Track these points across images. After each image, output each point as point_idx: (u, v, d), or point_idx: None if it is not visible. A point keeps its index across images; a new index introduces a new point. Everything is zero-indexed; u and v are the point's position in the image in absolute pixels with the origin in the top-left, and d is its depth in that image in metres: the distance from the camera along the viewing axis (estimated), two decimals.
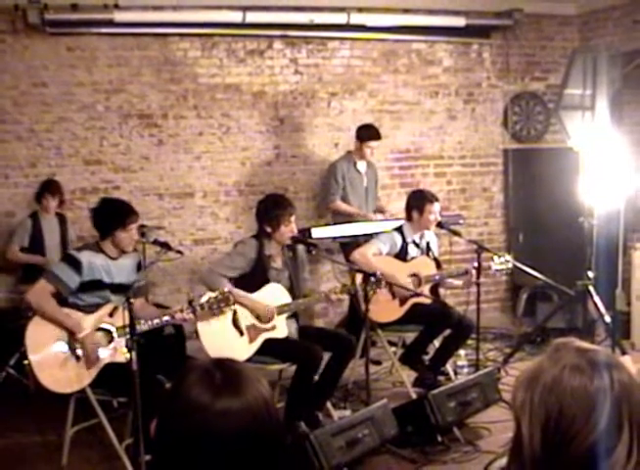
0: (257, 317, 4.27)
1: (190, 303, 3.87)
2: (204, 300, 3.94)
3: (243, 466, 1.26)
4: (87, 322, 3.76)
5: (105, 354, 3.76)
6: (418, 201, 4.95)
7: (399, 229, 5.02)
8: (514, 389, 1.30)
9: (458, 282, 5.09)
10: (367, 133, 5.97)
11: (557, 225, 6.52)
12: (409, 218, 5.00)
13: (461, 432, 4.21)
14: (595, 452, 1.18)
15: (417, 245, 5.03)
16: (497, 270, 4.97)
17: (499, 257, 4.98)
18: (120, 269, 3.98)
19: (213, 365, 1.33)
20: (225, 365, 1.34)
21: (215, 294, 3.94)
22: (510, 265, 4.98)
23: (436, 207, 4.93)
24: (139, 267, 4.11)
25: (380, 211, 6.22)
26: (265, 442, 1.29)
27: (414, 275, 4.89)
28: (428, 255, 5.09)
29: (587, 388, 1.21)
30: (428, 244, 5.11)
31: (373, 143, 5.96)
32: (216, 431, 1.25)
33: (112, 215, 3.96)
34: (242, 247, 4.39)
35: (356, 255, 4.82)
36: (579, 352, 1.26)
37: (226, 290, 3.95)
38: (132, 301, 3.48)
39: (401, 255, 4.93)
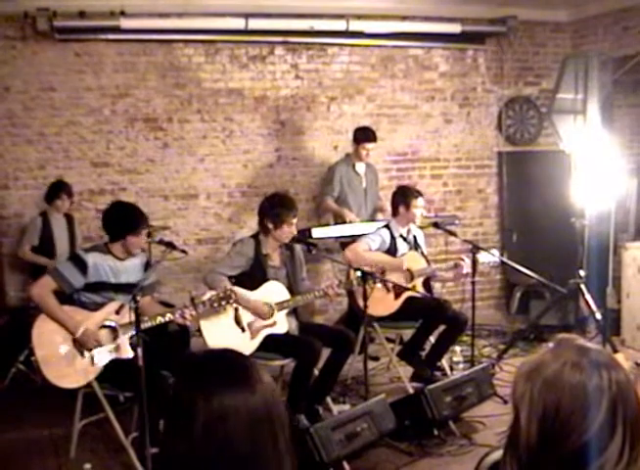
0: (258, 316, 4.33)
1: (192, 300, 3.91)
2: (206, 297, 3.99)
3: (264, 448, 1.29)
4: (93, 320, 3.82)
5: (105, 353, 3.81)
6: (404, 197, 5.05)
7: (386, 226, 5.11)
8: (515, 379, 1.33)
9: (449, 275, 5.16)
10: (362, 135, 6.04)
11: (550, 226, 6.60)
12: (395, 214, 5.10)
13: (456, 426, 4.28)
14: (588, 449, 1.21)
15: (405, 239, 5.11)
16: (485, 263, 5.06)
17: (485, 251, 5.05)
18: (128, 269, 4.04)
19: (223, 360, 1.35)
20: (234, 360, 1.36)
21: (218, 291, 3.99)
22: (495, 259, 5.08)
23: (421, 201, 5.05)
24: (146, 267, 4.14)
25: (380, 210, 6.27)
26: (281, 425, 1.33)
27: (405, 270, 4.97)
28: (416, 249, 5.18)
29: (585, 386, 1.23)
30: (415, 238, 5.20)
31: (368, 145, 6.01)
32: (244, 423, 1.26)
33: (124, 220, 4.00)
34: (240, 246, 4.44)
35: (347, 253, 4.89)
36: (580, 351, 1.29)
37: (228, 287, 4.01)
38: (139, 298, 3.51)
39: (391, 250, 5.01)
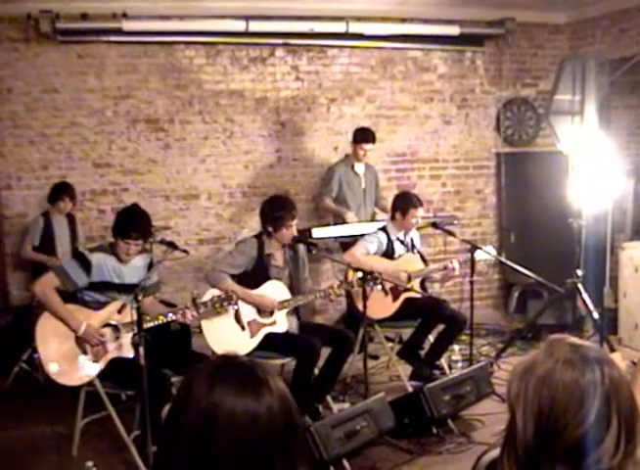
0: (259, 311, 4.38)
1: (194, 300, 3.93)
2: (207, 298, 4.02)
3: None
4: (95, 318, 3.86)
5: (112, 348, 3.86)
6: (403, 204, 5.06)
7: (383, 228, 5.13)
8: (509, 379, 1.35)
9: (437, 276, 5.16)
10: (361, 135, 6.08)
11: (547, 226, 6.61)
12: (392, 218, 5.13)
13: (455, 424, 4.31)
14: (584, 443, 1.22)
15: (402, 242, 5.14)
16: (483, 260, 5.09)
17: (481, 248, 5.06)
18: (131, 271, 4.07)
19: (240, 364, 1.34)
20: (250, 367, 1.34)
21: (219, 293, 4.04)
22: (492, 253, 5.11)
23: (420, 212, 5.04)
24: (149, 267, 4.16)
25: (384, 210, 6.25)
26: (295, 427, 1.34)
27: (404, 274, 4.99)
28: (413, 251, 5.21)
29: (579, 382, 1.25)
30: (412, 240, 5.23)
31: (366, 145, 6.04)
32: (264, 432, 1.26)
33: (121, 223, 4.03)
34: (243, 246, 4.49)
35: (346, 257, 4.91)
36: (572, 348, 1.31)
37: (230, 289, 4.07)
38: (141, 298, 3.54)
39: (388, 253, 5.04)
